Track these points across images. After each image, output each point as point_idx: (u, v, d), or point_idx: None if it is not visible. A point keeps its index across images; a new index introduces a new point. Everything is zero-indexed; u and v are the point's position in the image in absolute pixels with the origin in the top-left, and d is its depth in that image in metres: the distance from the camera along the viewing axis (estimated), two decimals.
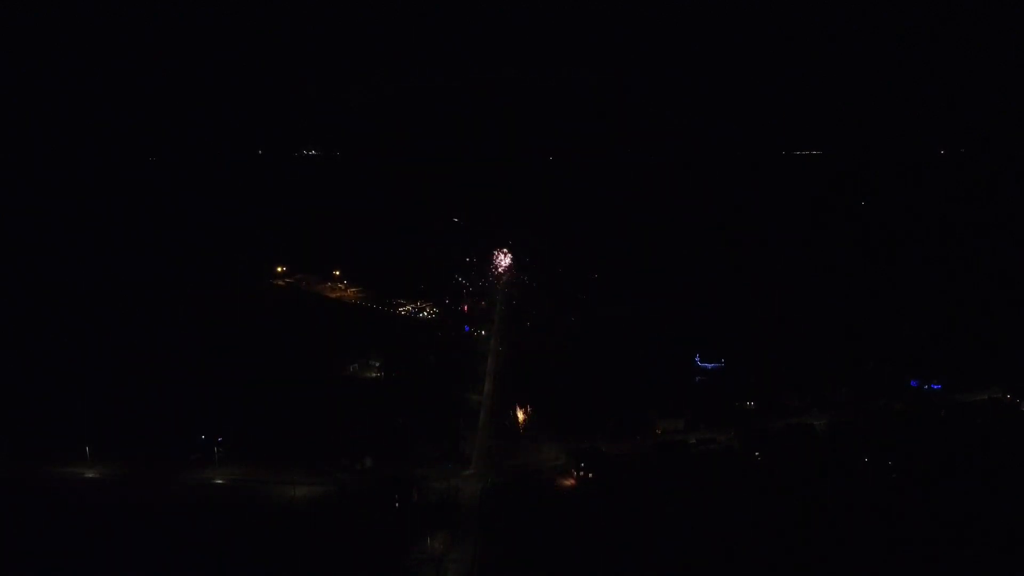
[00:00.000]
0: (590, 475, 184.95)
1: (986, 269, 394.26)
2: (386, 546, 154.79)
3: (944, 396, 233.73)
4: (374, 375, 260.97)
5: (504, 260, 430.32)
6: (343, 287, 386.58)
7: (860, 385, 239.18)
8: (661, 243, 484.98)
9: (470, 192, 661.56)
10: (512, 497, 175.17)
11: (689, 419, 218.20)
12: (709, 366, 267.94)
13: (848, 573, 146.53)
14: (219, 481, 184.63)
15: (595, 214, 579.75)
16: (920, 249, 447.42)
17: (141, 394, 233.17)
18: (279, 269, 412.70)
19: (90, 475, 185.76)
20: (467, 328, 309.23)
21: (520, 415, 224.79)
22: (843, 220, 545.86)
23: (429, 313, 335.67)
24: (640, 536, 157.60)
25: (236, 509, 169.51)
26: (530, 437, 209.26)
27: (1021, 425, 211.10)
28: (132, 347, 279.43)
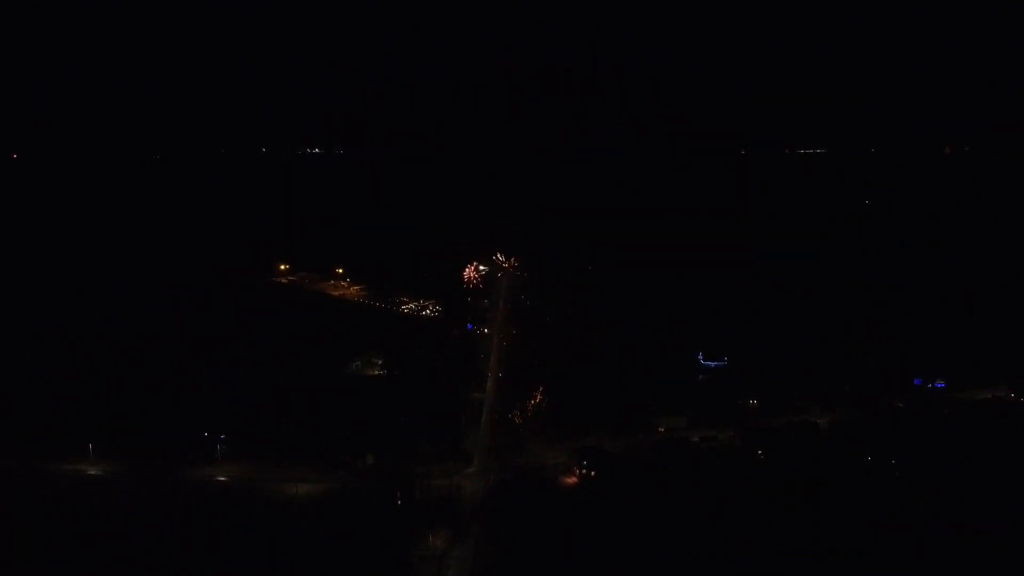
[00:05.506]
0: (592, 473, 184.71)
1: (990, 267, 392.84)
2: (387, 544, 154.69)
3: (948, 394, 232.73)
4: (376, 373, 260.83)
5: (505, 258, 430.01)
6: (345, 285, 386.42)
7: (863, 383, 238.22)
8: (664, 240, 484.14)
9: (472, 189, 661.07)
10: (514, 495, 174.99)
11: (692, 417, 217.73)
12: (712, 364, 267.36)
13: (851, 572, 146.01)
14: (221, 478, 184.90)
15: (597, 211, 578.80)
16: (924, 247, 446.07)
17: (143, 391, 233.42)
18: (281, 267, 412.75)
19: (92, 472, 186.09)
20: (470, 326, 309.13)
21: (522, 413, 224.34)
22: (846, 218, 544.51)
23: (431, 311, 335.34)
24: (642, 535, 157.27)
25: (238, 506, 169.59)
26: (532, 435, 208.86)
27: None
28: (134, 344, 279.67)
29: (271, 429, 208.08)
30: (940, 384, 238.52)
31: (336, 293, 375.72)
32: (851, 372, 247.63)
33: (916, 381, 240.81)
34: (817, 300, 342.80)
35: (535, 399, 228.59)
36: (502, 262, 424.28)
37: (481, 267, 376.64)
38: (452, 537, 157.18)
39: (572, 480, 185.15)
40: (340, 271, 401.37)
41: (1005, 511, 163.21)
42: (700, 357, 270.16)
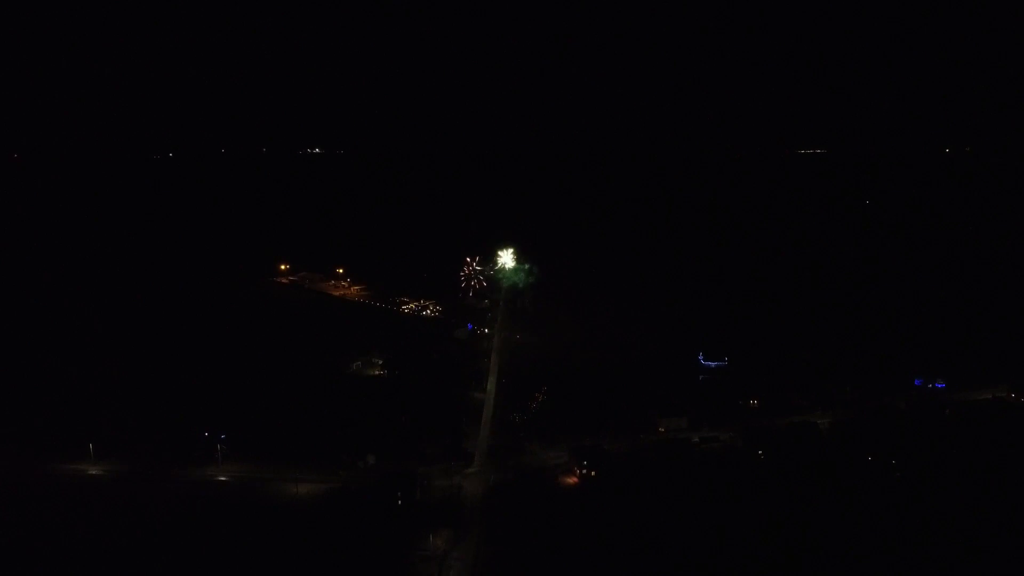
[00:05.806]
0: (592, 473, 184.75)
1: (991, 267, 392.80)
2: (388, 544, 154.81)
3: (948, 395, 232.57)
4: (377, 373, 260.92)
5: (506, 258, 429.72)
6: (346, 285, 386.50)
7: (864, 383, 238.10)
8: (664, 240, 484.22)
9: (472, 189, 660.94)
10: (515, 495, 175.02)
11: (692, 417, 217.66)
12: (712, 364, 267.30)
13: (851, 572, 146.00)
14: (222, 478, 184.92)
15: (598, 211, 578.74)
16: (924, 247, 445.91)
17: (144, 391, 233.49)
18: (282, 267, 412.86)
19: (93, 472, 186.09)
20: (470, 326, 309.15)
21: (522, 413, 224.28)
22: (847, 218, 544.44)
23: (432, 311, 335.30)
24: (642, 534, 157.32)
25: (239, 506, 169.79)
26: (532, 435, 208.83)
27: None
28: (135, 344, 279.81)
29: (271, 429, 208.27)
30: (940, 384, 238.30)
31: (336, 293, 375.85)
32: (851, 372, 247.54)
33: (916, 381, 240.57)
34: (817, 300, 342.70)
35: (535, 399, 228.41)
36: (502, 262, 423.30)
37: (478, 267, 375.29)
38: (453, 537, 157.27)
39: (572, 480, 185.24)
40: (340, 271, 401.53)
41: (1005, 511, 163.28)
42: (700, 357, 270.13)
